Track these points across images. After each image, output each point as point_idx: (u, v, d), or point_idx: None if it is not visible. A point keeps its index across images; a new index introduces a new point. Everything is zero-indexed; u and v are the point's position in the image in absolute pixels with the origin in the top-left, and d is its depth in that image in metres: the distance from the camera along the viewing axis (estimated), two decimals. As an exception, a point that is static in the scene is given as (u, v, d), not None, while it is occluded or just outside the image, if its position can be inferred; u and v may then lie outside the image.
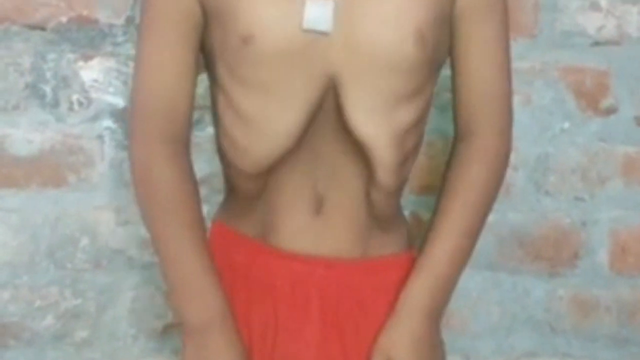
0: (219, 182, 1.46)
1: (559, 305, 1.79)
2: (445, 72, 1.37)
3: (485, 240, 1.70)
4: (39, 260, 1.70)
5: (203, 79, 1.38)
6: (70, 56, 1.66)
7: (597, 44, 1.73)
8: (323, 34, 1.23)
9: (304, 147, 1.28)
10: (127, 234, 1.70)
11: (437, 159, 1.71)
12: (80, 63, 1.67)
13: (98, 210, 1.70)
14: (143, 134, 1.29)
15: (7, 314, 1.70)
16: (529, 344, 1.80)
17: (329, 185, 1.30)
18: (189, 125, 1.32)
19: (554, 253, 1.78)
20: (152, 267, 1.69)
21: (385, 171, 1.29)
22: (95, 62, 1.67)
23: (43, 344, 1.71)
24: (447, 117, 1.44)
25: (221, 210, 1.41)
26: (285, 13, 1.22)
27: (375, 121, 1.26)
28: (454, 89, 1.36)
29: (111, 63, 1.67)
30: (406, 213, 1.51)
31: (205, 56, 1.33)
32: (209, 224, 1.41)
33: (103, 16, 1.65)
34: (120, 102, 1.67)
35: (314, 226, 1.32)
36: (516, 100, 1.48)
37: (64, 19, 1.65)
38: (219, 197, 1.45)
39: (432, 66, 1.30)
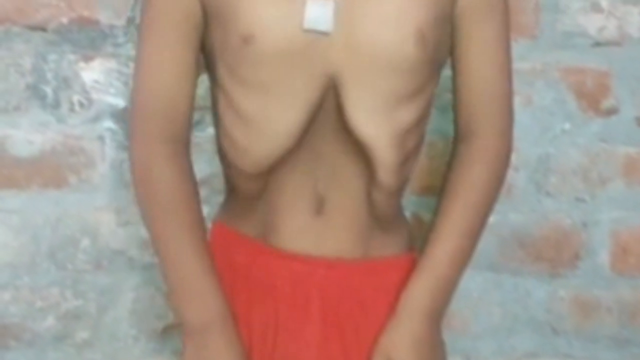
0: (220, 183, 1.46)
1: (560, 306, 1.79)
2: (446, 72, 1.37)
3: (486, 241, 1.69)
4: (39, 261, 1.70)
5: (204, 80, 1.38)
6: (71, 57, 1.66)
7: (598, 44, 1.73)
8: (323, 34, 1.23)
9: (304, 147, 1.28)
10: (127, 234, 1.70)
11: (438, 160, 1.71)
12: (81, 64, 1.67)
13: (99, 211, 1.70)
14: (143, 134, 1.29)
15: (8, 314, 1.70)
16: (530, 344, 1.80)
17: (330, 185, 1.30)
18: (189, 125, 1.32)
19: (555, 254, 1.78)
20: (152, 267, 1.69)
21: (386, 171, 1.29)
22: (96, 63, 1.67)
23: (44, 345, 1.71)
24: (448, 118, 1.44)
25: (222, 211, 1.41)
26: (286, 13, 1.22)
27: (376, 121, 1.26)
28: (455, 89, 1.36)
29: (112, 64, 1.67)
30: (407, 214, 1.51)
31: (206, 56, 1.33)
32: (209, 224, 1.41)
33: (104, 17, 1.65)
34: (121, 103, 1.67)
35: (315, 226, 1.32)
36: (517, 100, 1.48)
37: (64, 20, 1.65)
38: (220, 198, 1.45)
39: (433, 66, 1.30)
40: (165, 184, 1.28)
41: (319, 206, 1.31)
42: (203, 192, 1.62)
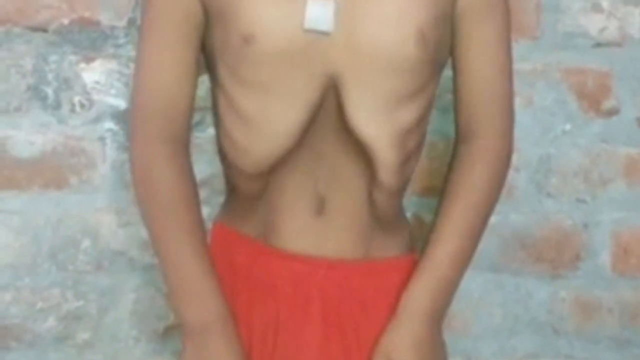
0: (220, 184, 1.46)
1: (561, 307, 1.79)
2: (447, 73, 1.37)
3: (488, 242, 1.69)
4: (40, 262, 1.70)
5: (204, 81, 1.38)
6: (72, 58, 1.66)
7: (599, 45, 1.73)
8: (324, 34, 1.23)
9: (304, 147, 1.28)
10: (128, 235, 1.70)
11: (439, 161, 1.71)
12: (82, 65, 1.67)
13: (99, 212, 1.70)
14: (143, 134, 1.29)
15: (8, 315, 1.70)
16: (531, 345, 1.80)
17: (331, 185, 1.30)
18: (189, 125, 1.32)
19: (556, 255, 1.78)
20: (153, 268, 1.69)
21: (387, 171, 1.29)
22: (97, 64, 1.67)
23: (45, 346, 1.71)
24: (449, 119, 1.44)
25: (222, 211, 1.41)
26: (287, 13, 1.22)
27: (377, 121, 1.26)
28: (455, 90, 1.36)
29: (113, 65, 1.67)
30: (408, 215, 1.51)
31: (206, 56, 1.33)
32: (210, 225, 1.41)
33: (105, 18, 1.65)
34: (121, 103, 1.67)
35: (316, 227, 1.32)
36: (518, 101, 1.48)
37: (65, 21, 1.65)
38: (220, 199, 1.45)
39: (433, 66, 1.30)
40: (165, 184, 1.28)
41: (320, 206, 1.31)
42: (204, 192, 1.63)
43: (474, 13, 1.31)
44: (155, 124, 1.28)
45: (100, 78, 1.67)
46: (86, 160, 1.68)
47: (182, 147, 1.30)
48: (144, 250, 1.70)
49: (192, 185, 1.31)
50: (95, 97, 1.67)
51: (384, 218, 1.34)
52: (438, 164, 1.71)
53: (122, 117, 1.67)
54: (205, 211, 1.56)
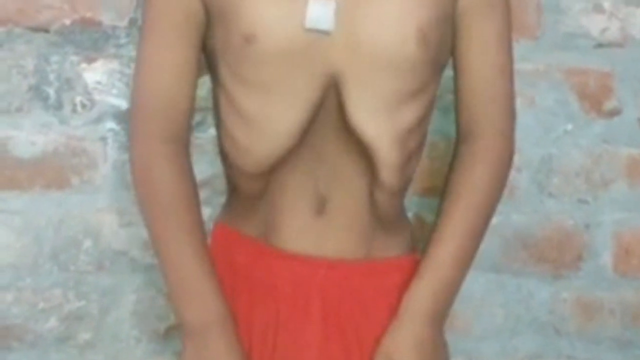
0: (222, 184, 1.46)
1: (563, 308, 1.79)
2: (448, 73, 1.37)
3: (489, 242, 1.68)
4: (42, 262, 1.70)
5: (205, 81, 1.38)
6: (74, 58, 1.66)
7: (600, 45, 1.73)
8: (325, 33, 1.23)
9: (305, 147, 1.28)
10: (130, 235, 1.70)
11: (440, 161, 1.71)
12: (84, 65, 1.67)
13: (101, 212, 1.70)
14: (143, 134, 1.29)
15: (10, 316, 1.70)
16: (532, 346, 1.79)
17: (331, 185, 1.30)
18: (190, 125, 1.32)
19: (557, 255, 1.78)
20: (154, 269, 1.68)
21: (388, 171, 1.29)
22: (99, 64, 1.67)
23: (46, 346, 1.71)
24: (450, 119, 1.44)
25: (223, 211, 1.41)
26: (288, 12, 1.23)
27: (378, 121, 1.26)
28: (456, 90, 1.36)
29: (114, 65, 1.67)
30: (410, 215, 1.51)
31: (207, 56, 1.33)
32: (211, 225, 1.41)
33: (106, 18, 1.66)
34: (123, 104, 1.67)
35: (316, 227, 1.31)
36: (519, 101, 1.48)
37: (67, 21, 1.65)
38: (222, 199, 1.45)
39: (434, 66, 1.30)
40: (165, 184, 1.28)
41: (321, 206, 1.31)
42: (205, 193, 1.63)
43: (474, 13, 1.31)
44: (156, 124, 1.28)
45: (102, 78, 1.67)
46: (87, 160, 1.68)
47: (183, 147, 1.30)
48: (146, 250, 1.70)
49: (192, 186, 1.31)
50: (97, 97, 1.68)
51: (384, 218, 1.34)
52: (439, 164, 1.71)
53: (124, 117, 1.67)
54: (207, 211, 1.56)
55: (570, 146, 1.76)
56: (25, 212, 1.68)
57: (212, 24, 1.29)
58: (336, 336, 1.32)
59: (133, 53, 1.64)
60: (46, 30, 1.65)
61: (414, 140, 1.31)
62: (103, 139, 1.68)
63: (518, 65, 1.41)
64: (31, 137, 1.67)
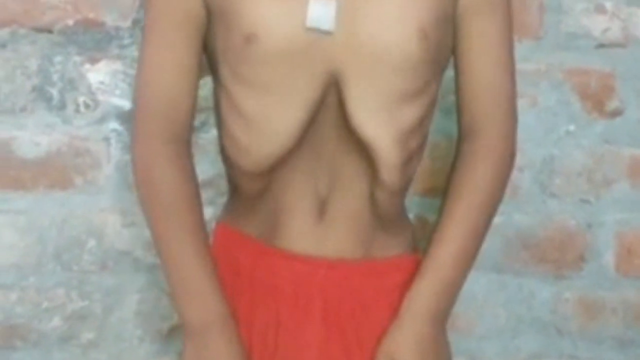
0: (224, 184, 1.46)
1: (565, 307, 1.79)
2: (449, 73, 1.37)
3: (491, 242, 1.69)
4: (45, 262, 1.70)
5: (208, 82, 1.38)
6: (77, 59, 1.67)
7: (602, 46, 1.73)
8: (326, 33, 1.23)
9: (306, 146, 1.28)
10: (133, 235, 1.71)
11: (441, 161, 1.71)
12: (87, 65, 1.67)
13: (104, 212, 1.70)
14: (145, 134, 1.29)
15: (14, 315, 1.70)
16: (534, 346, 1.79)
17: (332, 185, 1.30)
18: (191, 125, 1.32)
19: (559, 255, 1.77)
20: (158, 269, 1.69)
21: (389, 171, 1.29)
22: (102, 65, 1.67)
23: (49, 346, 1.71)
24: (451, 118, 1.44)
25: (225, 211, 1.41)
26: (288, 12, 1.23)
27: (378, 121, 1.26)
28: (457, 89, 1.36)
29: (117, 65, 1.67)
30: (411, 215, 1.51)
31: (209, 57, 1.33)
32: (214, 225, 1.42)
33: (109, 19, 1.66)
34: (126, 104, 1.68)
35: (317, 227, 1.32)
36: (521, 102, 1.48)
37: (70, 22, 1.65)
38: (224, 199, 1.45)
39: (435, 66, 1.30)
40: (167, 185, 1.28)
41: (321, 206, 1.31)
42: (208, 193, 1.63)
43: (475, 12, 1.31)
44: (157, 125, 1.29)
45: (105, 79, 1.67)
46: (91, 160, 1.69)
47: (184, 148, 1.31)
48: (149, 250, 1.70)
49: (194, 186, 1.31)
50: (100, 97, 1.68)
51: (385, 218, 1.34)
52: (440, 164, 1.71)
53: (127, 118, 1.68)
54: (210, 211, 1.57)
55: (572, 146, 1.76)
56: (28, 212, 1.69)
57: (213, 23, 1.29)
58: (337, 336, 1.32)
59: (136, 53, 1.64)
60: (50, 31, 1.65)
61: (415, 140, 1.31)
62: (106, 139, 1.69)
63: (520, 65, 1.41)
64: (35, 137, 1.67)
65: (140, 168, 1.30)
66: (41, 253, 1.70)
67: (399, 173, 1.30)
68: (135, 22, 1.66)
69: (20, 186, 1.68)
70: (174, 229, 1.28)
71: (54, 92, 1.67)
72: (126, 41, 1.67)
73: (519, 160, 1.44)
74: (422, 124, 1.32)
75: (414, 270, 1.34)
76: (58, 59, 1.66)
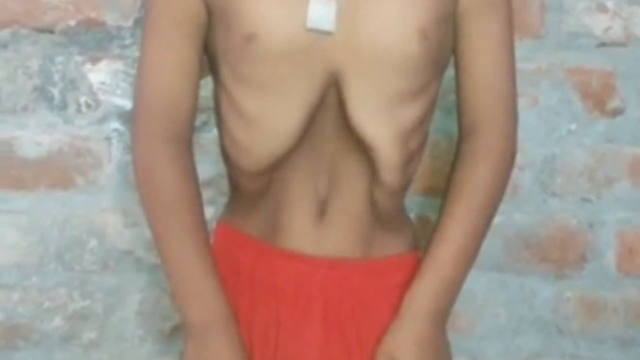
0: (225, 184, 1.46)
1: (566, 307, 1.78)
2: (450, 72, 1.37)
3: (492, 242, 1.69)
4: (47, 262, 1.70)
5: (209, 82, 1.38)
6: (78, 59, 1.67)
7: (603, 45, 1.73)
8: (326, 33, 1.23)
9: (306, 146, 1.28)
10: (134, 235, 1.71)
11: (442, 160, 1.71)
12: (88, 65, 1.67)
13: (106, 212, 1.70)
14: (146, 134, 1.29)
15: (16, 315, 1.70)
16: (535, 345, 1.79)
17: (332, 184, 1.30)
18: (192, 125, 1.32)
19: (560, 254, 1.77)
20: (159, 269, 1.68)
21: (389, 171, 1.29)
22: (103, 65, 1.67)
23: (51, 345, 1.72)
24: (452, 118, 1.44)
25: (225, 211, 1.41)
26: (289, 12, 1.23)
27: (379, 120, 1.26)
28: (458, 89, 1.36)
29: (119, 65, 1.68)
30: (412, 215, 1.51)
31: (209, 57, 1.33)
32: (215, 225, 1.42)
33: (111, 19, 1.66)
34: (127, 104, 1.68)
35: (317, 226, 1.32)
36: (523, 101, 1.48)
37: (72, 22, 1.65)
38: (225, 199, 1.45)
39: (436, 65, 1.30)
40: (167, 184, 1.28)
41: (322, 206, 1.31)
42: (209, 193, 1.64)
43: (476, 12, 1.31)
44: (158, 124, 1.29)
45: (106, 78, 1.68)
46: (92, 160, 1.69)
47: (185, 147, 1.31)
48: (150, 250, 1.70)
49: (195, 186, 1.31)
50: (101, 97, 1.68)
51: (385, 217, 1.34)
52: (441, 163, 1.71)
53: (128, 118, 1.68)
54: (211, 211, 1.57)
55: (574, 145, 1.75)
56: (30, 212, 1.69)
57: (213, 23, 1.29)
58: (337, 336, 1.32)
59: (137, 53, 1.64)
60: (51, 31, 1.65)
61: (415, 140, 1.31)
62: (108, 139, 1.69)
63: (521, 65, 1.42)
64: (36, 137, 1.67)
65: (141, 167, 1.30)
66: (43, 253, 1.70)
67: (399, 173, 1.30)
68: (137, 22, 1.66)
69: (21, 186, 1.68)
70: (174, 228, 1.28)
71: (56, 92, 1.67)
72: (127, 41, 1.67)
73: (520, 159, 1.44)
74: (422, 124, 1.32)
75: (415, 269, 1.34)
76: (59, 59, 1.66)
